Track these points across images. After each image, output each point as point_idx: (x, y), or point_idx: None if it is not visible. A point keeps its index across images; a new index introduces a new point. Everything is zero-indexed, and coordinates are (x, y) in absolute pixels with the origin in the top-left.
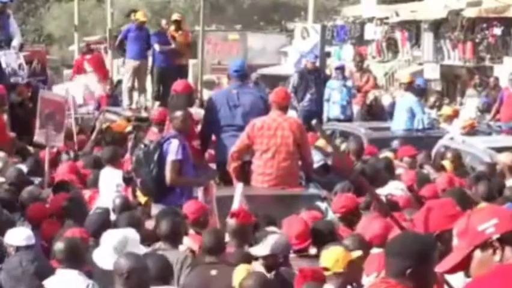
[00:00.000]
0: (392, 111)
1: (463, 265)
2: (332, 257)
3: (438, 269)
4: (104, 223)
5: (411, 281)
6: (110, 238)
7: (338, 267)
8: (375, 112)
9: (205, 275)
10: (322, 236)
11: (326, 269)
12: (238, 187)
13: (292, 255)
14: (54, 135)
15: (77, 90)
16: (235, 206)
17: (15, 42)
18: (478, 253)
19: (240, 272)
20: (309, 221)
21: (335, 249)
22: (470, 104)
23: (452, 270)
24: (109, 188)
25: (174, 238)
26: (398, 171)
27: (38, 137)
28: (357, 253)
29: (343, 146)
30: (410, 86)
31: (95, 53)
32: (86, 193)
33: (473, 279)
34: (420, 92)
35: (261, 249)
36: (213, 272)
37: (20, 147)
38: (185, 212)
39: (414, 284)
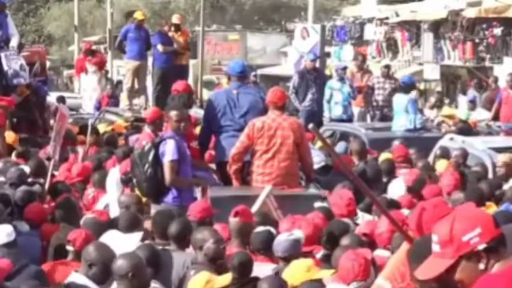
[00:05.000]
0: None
1: (445, 272)
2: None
3: (420, 276)
4: (101, 228)
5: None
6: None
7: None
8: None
9: None
10: (336, 236)
11: None
12: (266, 188)
13: None
14: (57, 148)
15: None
16: (256, 206)
17: (14, 43)
18: (462, 262)
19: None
20: (319, 223)
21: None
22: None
23: (435, 278)
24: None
25: (182, 239)
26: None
27: (50, 149)
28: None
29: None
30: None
31: (98, 54)
32: (90, 193)
33: None
34: (406, 88)
35: None
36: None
37: (23, 148)
38: (191, 213)
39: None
